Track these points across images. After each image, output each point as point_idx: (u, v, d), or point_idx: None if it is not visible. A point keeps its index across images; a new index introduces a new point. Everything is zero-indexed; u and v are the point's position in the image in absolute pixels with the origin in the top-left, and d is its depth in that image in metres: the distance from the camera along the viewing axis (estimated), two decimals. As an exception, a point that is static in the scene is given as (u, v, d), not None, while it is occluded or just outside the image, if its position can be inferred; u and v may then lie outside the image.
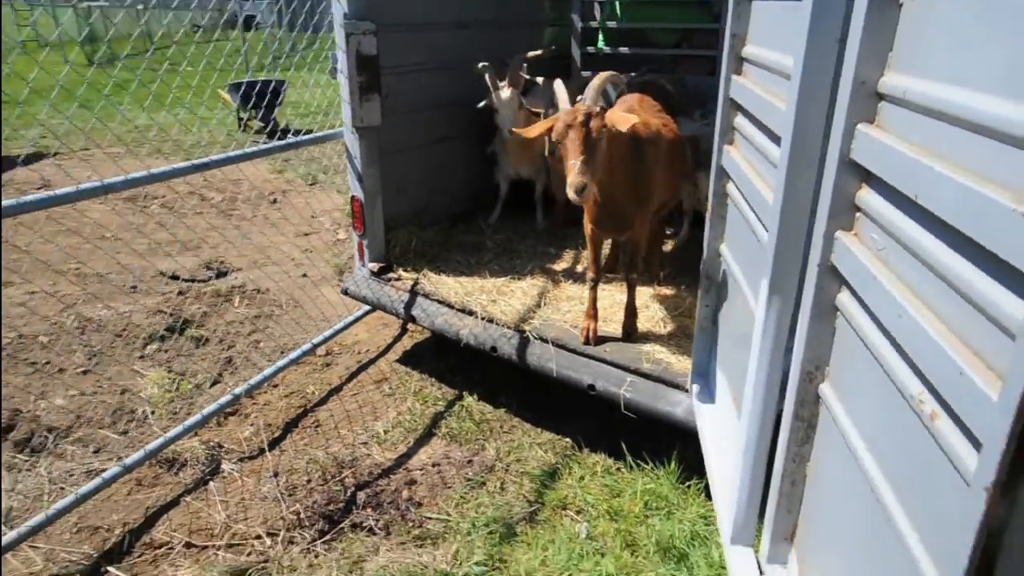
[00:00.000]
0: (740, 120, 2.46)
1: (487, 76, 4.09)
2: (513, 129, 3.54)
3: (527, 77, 4.31)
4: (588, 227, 3.23)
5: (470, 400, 3.66)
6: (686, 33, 4.99)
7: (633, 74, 4.56)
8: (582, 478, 3.07)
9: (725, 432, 2.43)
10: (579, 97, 2.90)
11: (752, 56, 2.35)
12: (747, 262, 2.31)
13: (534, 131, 2.88)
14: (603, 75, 2.95)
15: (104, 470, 2.90)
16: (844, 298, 1.51)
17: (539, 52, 4.06)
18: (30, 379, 3.78)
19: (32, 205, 2.37)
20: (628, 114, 2.75)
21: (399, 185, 4.18)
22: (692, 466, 2.93)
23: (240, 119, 9.86)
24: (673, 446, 3.02)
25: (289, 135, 3.63)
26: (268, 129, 5.13)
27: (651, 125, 3.16)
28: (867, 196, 1.41)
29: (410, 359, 4.17)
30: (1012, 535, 0.84)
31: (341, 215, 6.60)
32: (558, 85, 3.02)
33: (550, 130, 2.78)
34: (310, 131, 3.94)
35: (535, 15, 5.24)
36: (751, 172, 2.20)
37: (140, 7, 16.65)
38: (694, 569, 2.50)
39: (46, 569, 2.56)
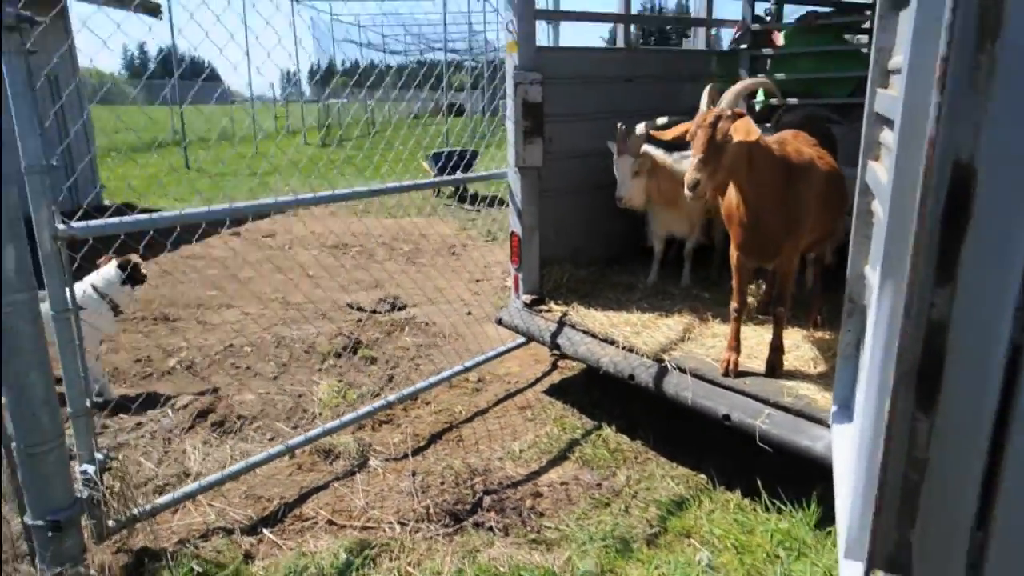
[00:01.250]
0: (885, 133, 2.36)
1: (616, 140, 4.05)
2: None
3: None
4: (734, 254, 3.18)
5: (608, 431, 3.66)
6: (860, 82, 4.79)
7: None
8: (712, 511, 2.92)
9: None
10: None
11: (896, 66, 2.27)
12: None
13: (670, 133, 2.97)
14: (745, 81, 2.98)
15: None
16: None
17: (665, 120, 4.01)
18: (233, 378, 4.41)
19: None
20: (755, 127, 2.73)
21: (557, 225, 4.40)
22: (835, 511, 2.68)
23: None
24: (814, 488, 2.79)
25: (477, 201, 3.99)
26: (459, 194, 5.61)
27: (803, 153, 3.10)
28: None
29: (556, 391, 4.26)
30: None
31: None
32: (705, 92, 3.07)
33: (686, 133, 2.86)
34: (495, 197, 4.25)
35: (702, 71, 5.33)
36: (886, 179, 2.10)
37: (370, 103, 19.20)
38: (823, 612, 2.27)
39: (217, 521, 2.95)
